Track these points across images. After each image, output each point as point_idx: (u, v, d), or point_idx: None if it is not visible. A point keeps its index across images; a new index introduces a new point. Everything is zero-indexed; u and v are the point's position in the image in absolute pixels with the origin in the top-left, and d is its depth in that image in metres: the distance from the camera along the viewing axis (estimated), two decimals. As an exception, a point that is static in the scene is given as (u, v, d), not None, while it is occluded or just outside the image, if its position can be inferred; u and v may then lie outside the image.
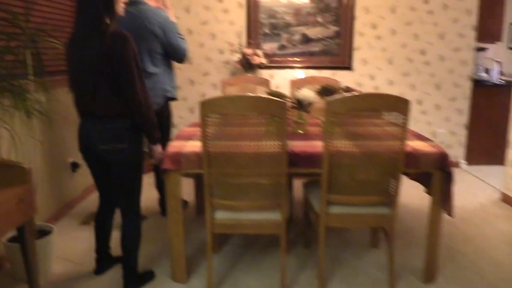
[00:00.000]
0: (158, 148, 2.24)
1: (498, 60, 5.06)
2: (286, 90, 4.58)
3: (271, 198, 2.19)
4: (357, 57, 4.66)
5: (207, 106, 1.96)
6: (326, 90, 2.77)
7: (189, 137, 2.59)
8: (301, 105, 2.72)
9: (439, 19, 4.59)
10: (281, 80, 4.63)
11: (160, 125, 3.12)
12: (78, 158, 3.60)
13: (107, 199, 2.41)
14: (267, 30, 4.55)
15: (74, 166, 3.59)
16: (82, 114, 2.15)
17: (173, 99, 3.16)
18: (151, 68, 2.92)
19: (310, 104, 2.70)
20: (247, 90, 3.63)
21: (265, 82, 3.63)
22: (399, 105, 2.07)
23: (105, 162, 2.22)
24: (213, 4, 4.48)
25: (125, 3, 2.97)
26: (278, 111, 1.97)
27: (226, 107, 1.96)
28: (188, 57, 3.10)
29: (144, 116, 2.07)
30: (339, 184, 2.23)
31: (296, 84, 3.64)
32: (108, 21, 1.97)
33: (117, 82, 1.98)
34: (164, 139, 2.74)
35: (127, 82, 1.98)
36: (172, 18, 3.00)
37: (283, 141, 2.04)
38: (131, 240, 2.29)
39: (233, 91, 3.61)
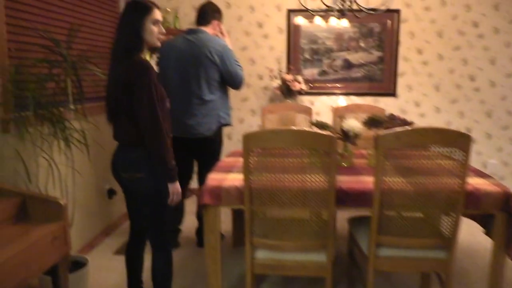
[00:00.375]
0: (173, 186, 2.04)
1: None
2: (327, 118, 4.44)
3: (316, 238, 2.03)
4: (402, 83, 4.47)
5: (251, 140, 1.84)
6: (373, 121, 2.61)
7: (229, 169, 2.48)
8: (346, 136, 2.57)
9: (490, 43, 4.35)
10: (322, 106, 4.49)
11: (209, 152, 3.15)
12: (115, 184, 3.56)
13: (137, 229, 2.31)
14: (307, 56, 4.45)
15: (111, 192, 3.55)
16: (114, 138, 2.14)
17: (227, 125, 3.14)
18: (208, 96, 2.94)
19: (356, 135, 2.55)
20: (287, 118, 3.52)
21: (307, 110, 3.50)
22: (460, 141, 1.90)
23: (129, 190, 2.16)
24: (253, 30, 4.43)
25: (184, 31, 3.05)
26: (326, 146, 1.84)
27: (270, 141, 1.84)
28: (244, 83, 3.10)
29: (154, 149, 1.95)
30: (391, 224, 2.05)
31: (339, 112, 3.49)
32: (134, 51, 1.95)
33: (135, 111, 1.95)
34: (210, 166, 2.67)
35: (138, 111, 1.92)
36: (229, 46, 3.00)
37: (331, 177, 1.89)
38: (161, 275, 2.18)
39: (273, 118, 3.50)
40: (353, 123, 2.54)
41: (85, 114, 2.54)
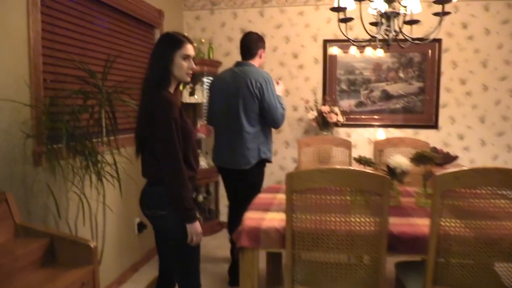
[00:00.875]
0: (192, 227, 1.91)
1: None
2: (365, 151, 4.26)
3: (364, 286, 1.83)
4: (444, 114, 4.26)
5: (295, 180, 1.69)
6: (422, 157, 2.42)
7: (266, 207, 2.33)
8: (393, 173, 2.39)
9: (540, 74, 4.11)
10: (359, 139, 4.31)
11: (247, 186, 3.03)
12: (144, 218, 3.45)
13: (165, 267, 2.18)
14: (344, 86, 4.31)
15: (141, 226, 3.43)
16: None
17: (267, 161, 3.05)
18: (247, 128, 2.90)
19: (404, 173, 2.36)
20: (324, 151, 3.36)
21: (345, 144, 3.34)
22: (528, 182, 1.68)
23: (155, 227, 2.08)
24: (288, 60, 4.34)
25: (234, 64, 3.06)
26: (379, 187, 1.66)
27: (317, 181, 1.68)
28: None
29: (170, 187, 1.86)
30: (447, 273, 1.84)
31: (380, 145, 3.31)
32: (162, 85, 1.92)
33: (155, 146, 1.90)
34: (247, 201, 2.54)
35: (158, 147, 1.87)
36: (279, 92, 3.00)
37: (383, 221, 1.71)
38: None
39: (309, 152, 3.35)
40: (401, 160, 2.36)
41: (118, 147, 2.46)
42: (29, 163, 2.15)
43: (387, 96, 4.29)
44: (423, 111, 4.27)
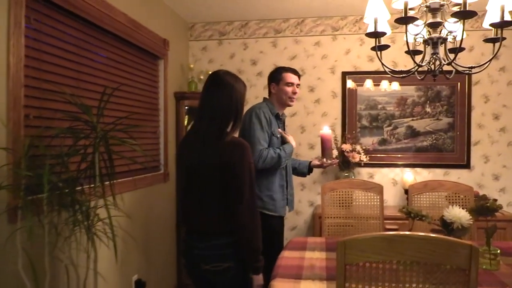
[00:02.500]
0: (258, 278, 1.87)
1: None
2: (389, 193, 3.83)
3: None
4: (476, 153, 3.85)
5: (352, 249, 1.25)
6: (484, 209, 1.99)
7: (297, 273, 1.88)
8: (449, 229, 1.95)
9: None
10: (383, 180, 3.87)
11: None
12: (143, 274, 2.98)
13: None
14: (365, 122, 3.93)
15: (139, 285, 2.95)
16: (188, 228, 1.98)
17: (268, 214, 2.64)
18: None
19: (464, 229, 1.92)
20: (352, 196, 2.92)
21: (376, 188, 2.91)
22: None
23: (210, 284, 1.93)
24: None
25: None
26: (463, 260, 1.23)
27: (380, 251, 1.24)
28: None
29: (246, 239, 1.81)
30: None
31: (417, 190, 2.88)
32: (229, 129, 1.88)
33: (226, 195, 1.83)
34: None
35: (236, 197, 1.81)
36: (291, 142, 2.76)
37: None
38: None
39: (334, 198, 2.91)
40: (460, 213, 1.92)
41: (114, 196, 2.03)
42: (1, 220, 1.71)
43: (413, 133, 3.89)
44: (453, 149, 3.86)
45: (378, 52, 2.31)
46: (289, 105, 2.84)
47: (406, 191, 3.68)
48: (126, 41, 2.80)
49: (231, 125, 1.88)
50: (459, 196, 2.84)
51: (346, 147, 3.61)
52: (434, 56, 2.17)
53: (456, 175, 3.85)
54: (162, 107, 3.39)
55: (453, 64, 2.22)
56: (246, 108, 2.33)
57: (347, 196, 2.94)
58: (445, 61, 2.16)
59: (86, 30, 2.36)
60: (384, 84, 3.89)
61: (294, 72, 2.83)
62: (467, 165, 3.86)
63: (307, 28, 3.98)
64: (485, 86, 3.83)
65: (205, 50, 4.10)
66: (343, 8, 3.76)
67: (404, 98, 3.88)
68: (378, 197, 2.89)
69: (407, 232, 1.28)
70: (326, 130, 2.83)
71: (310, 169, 3.03)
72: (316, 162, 2.96)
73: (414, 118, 3.88)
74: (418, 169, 3.89)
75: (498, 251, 1.97)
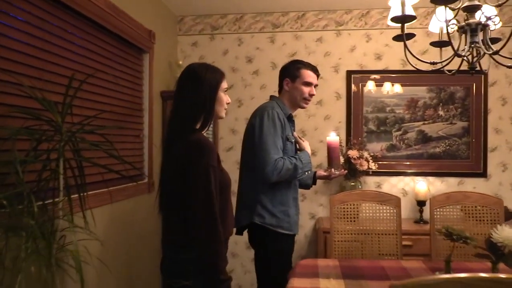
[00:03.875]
0: None
1: None
2: (406, 207, 3.46)
3: None
4: (493, 160, 3.51)
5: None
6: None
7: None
8: (498, 254, 1.58)
9: None
10: (392, 190, 3.50)
11: (256, 260, 2.38)
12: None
13: None
14: (372, 127, 3.57)
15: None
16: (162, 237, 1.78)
17: (270, 229, 2.27)
18: (244, 176, 2.42)
19: (520, 253, 1.55)
20: (365, 211, 2.55)
21: (393, 201, 2.54)
22: None
23: None
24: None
25: None
26: None
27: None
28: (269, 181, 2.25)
29: (203, 253, 1.55)
30: None
31: (439, 202, 2.52)
32: (198, 126, 1.67)
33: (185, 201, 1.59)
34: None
35: (191, 204, 1.56)
36: (306, 149, 2.40)
37: None
38: None
39: (344, 211, 2.54)
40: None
41: (85, 216, 1.62)
42: None
43: (424, 138, 3.54)
44: (468, 156, 3.52)
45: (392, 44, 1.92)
46: (302, 107, 2.51)
47: (418, 203, 3.33)
48: (105, 28, 2.39)
49: (200, 122, 1.67)
50: (487, 210, 2.48)
51: (353, 153, 3.24)
52: (473, 45, 1.81)
53: (471, 185, 3.51)
54: (147, 107, 2.98)
55: (495, 57, 1.87)
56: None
57: (358, 209, 2.57)
58: (487, 50, 1.79)
59: (55, 11, 1.95)
60: (387, 86, 3.55)
61: (315, 70, 2.46)
62: (483, 174, 3.52)
63: (308, 23, 3.61)
64: (503, 87, 3.50)
65: (196, 45, 3.71)
66: (348, 1, 3.41)
67: (415, 100, 3.53)
68: (395, 211, 2.52)
69: (488, 275, 0.90)
70: (333, 137, 2.48)
71: (314, 180, 2.65)
72: (322, 173, 2.59)
73: (426, 122, 3.54)
74: (430, 178, 3.54)
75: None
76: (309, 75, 2.39)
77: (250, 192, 2.31)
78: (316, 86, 2.47)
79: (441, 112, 3.53)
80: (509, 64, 1.87)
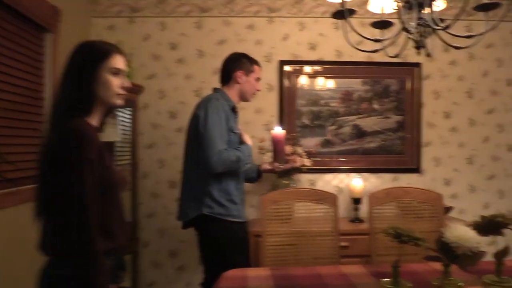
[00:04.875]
0: None
1: None
2: (346, 206, 3.28)
3: None
4: (427, 155, 3.45)
5: None
6: (492, 224, 1.45)
7: None
8: (451, 255, 1.38)
9: (530, 106, 3.50)
10: (327, 188, 3.29)
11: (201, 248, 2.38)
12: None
13: None
14: (306, 121, 3.36)
15: None
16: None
17: (219, 219, 2.27)
18: (190, 168, 2.38)
19: (476, 255, 1.36)
20: (299, 210, 2.31)
21: (329, 199, 2.32)
22: None
23: None
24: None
25: None
26: None
27: None
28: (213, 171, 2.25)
29: (77, 267, 1.24)
30: None
31: (378, 200, 2.33)
32: (76, 113, 1.35)
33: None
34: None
35: (61, 205, 1.27)
36: (248, 142, 2.41)
37: None
38: None
39: (277, 212, 2.28)
40: (467, 233, 1.36)
41: None
42: None
43: (359, 133, 3.39)
44: (402, 152, 3.42)
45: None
46: (249, 101, 2.56)
47: (354, 201, 3.17)
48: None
49: (79, 105, 1.37)
50: (427, 206, 2.34)
51: (286, 149, 3.00)
52: (420, 22, 1.60)
53: (406, 180, 3.42)
54: (49, 97, 2.54)
55: (443, 37, 1.69)
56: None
57: (292, 209, 2.33)
58: (436, 26, 1.59)
59: None
60: (320, 81, 3.36)
61: (260, 66, 2.60)
62: (417, 169, 3.43)
63: (239, 8, 3.32)
64: (436, 81, 3.44)
65: (112, 29, 3.28)
66: (280, -14, 3.18)
67: (350, 92, 3.37)
68: (332, 209, 2.30)
69: None
70: (278, 130, 2.51)
71: (259, 174, 2.68)
72: (267, 167, 2.66)
73: (361, 116, 3.39)
74: (365, 174, 3.39)
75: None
76: (259, 72, 2.53)
77: (197, 184, 2.29)
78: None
79: (375, 106, 3.39)
80: (457, 45, 1.69)
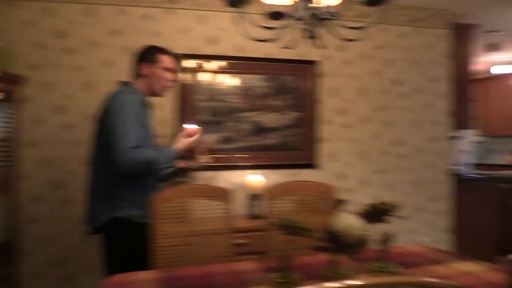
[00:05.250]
0: None
1: (469, 149, 4.38)
2: (236, 200, 3.24)
3: None
4: (323, 151, 3.56)
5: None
6: (377, 212, 1.49)
7: None
8: (339, 244, 1.39)
9: (414, 104, 3.77)
10: (226, 184, 3.25)
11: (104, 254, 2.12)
12: None
13: None
14: (206, 117, 3.28)
15: None
16: None
17: (131, 221, 2.06)
18: (99, 169, 2.12)
19: (361, 242, 1.38)
20: (193, 209, 2.21)
21: (224, 194, 2.25)
22: None
23: None
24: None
25: None
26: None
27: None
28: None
29: None
30: None
31: (274, 194, 2.32)
32: None
33: None
34: None
35: None
36: (179, 145, 2.24)
37: None
38: None
39: (171, 211, 2.16)
40: (352, 221, 1.38)
41: None
42: None
43: (259, 129, 3.39)
44: (301, 148, 3.49)
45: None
46: (160, 95, 2.32)
47: (254, 197, 3.15)
48: None
49: None
50: (322, 200, 2.38)
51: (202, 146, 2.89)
52: (311, 11, 1.60)
53: (304, 176, 3.49)
54: None
55: (334, 28, 1.70)
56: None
57: (187, 207, 2.22)
58: (326, 15, 1.60)
59: None
60: (221, 76, 3.31)
61: (173, 56, 2.32)
62: (314, 165, 3.53)
63: (134, -4, 3.15)
64: (331, 79, 3.57)
65: (-14, 13, 2.92)
66: (178, -24, 3.06)
67: (250, 88, 3.35)
68: (227, 206, 2.24)
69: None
70: (191, 127, 2.34)
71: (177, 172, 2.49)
72: (181, 165, 2.41)
73: (261, 112, 3.39)
74: (265, 171, 3.40)
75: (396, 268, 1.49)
76: (169, 61, 2.27)
77: (108, 185, 2.07)
78: (176, 72, 2.38)
79: (274, 102, 3.42)
80: (351, 38, 1.72)
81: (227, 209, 2.22)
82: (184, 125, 2.35)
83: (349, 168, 3.62)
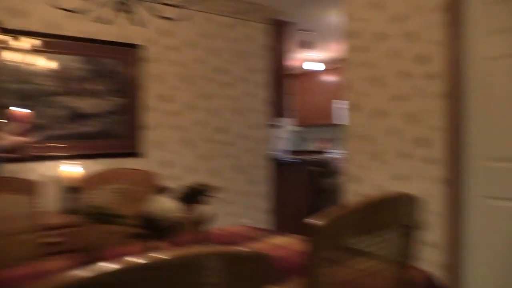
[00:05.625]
0: None
1: (287, 136, 4.80)
2: (50, 195, 2.93)
3: None
4: (148, 139, 3.46)
5: None
6: (193, 193, 1.49)
7: None
8: (156, 228, 1.34)
9: (237, 93, 3.95)
10: (41, 178, 2.90)
11: None
12: None
13: None
14: (14, 101, 2.85)
15: None
16: None
17: None
18: None
19: (177, 224, 1.35)
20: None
21: (26, 187, 1.99)
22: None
23: None
24: None
25: None
26: None
27: None
28: None
29: None
30: None
31: (91, 183, 2.15)
32: None
33: None
34: None
35: None
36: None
37: None
38: None
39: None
40: (168, 204, 1.34)
41: None
42: None
43: (76, 116, 3.11)
44: (124, 135, 3.33)
45: None
46: None
47: (71, 190, 2.88)
48: None
49: None
50: (142, 187, 2.30)
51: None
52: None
53: (128, 166, 3.30)
54: None
55: (152, 7, 1.63)
56: None
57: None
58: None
59: None
60: (30, 55, 2.94)
61: None
62: (139, 153, 3.40)
63: None
64: (157, 65, 3.48)
65: None
66: None
67: (65, 70, 3.04)
68: (31, 201, 1.98)
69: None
70: (20, 110, 2.20)
71: None
72: None
73: (78, 97, 3.11)
74: (84, 161, 3.13)
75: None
76: None
77: None
78: None
79: (94, 87, 3.18)
80: (168, 16, 1.67)
81: (34, 204, 1.97)
82: (12, 108, 1.99)
83: (175, 156, 3.60)
